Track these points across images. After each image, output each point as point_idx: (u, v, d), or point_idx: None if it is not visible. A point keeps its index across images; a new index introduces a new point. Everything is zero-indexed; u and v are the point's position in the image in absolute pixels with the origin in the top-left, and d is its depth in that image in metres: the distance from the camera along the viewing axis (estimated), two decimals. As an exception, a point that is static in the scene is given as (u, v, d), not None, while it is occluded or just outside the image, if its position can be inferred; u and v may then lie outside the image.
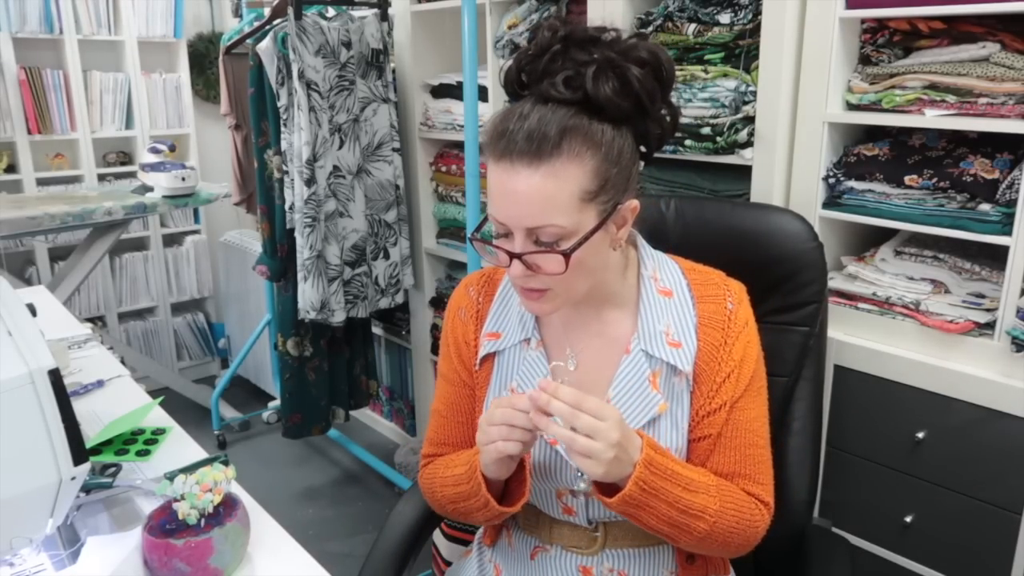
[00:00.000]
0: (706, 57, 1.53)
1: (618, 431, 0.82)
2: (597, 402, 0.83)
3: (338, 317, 2.23)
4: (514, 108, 0.89)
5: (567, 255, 0.86)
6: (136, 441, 1.17)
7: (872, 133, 1.47)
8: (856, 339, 1.41)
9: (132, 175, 3.16)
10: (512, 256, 0.88)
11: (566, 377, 0.95)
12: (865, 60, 1.38)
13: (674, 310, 0.99)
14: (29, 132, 2.98)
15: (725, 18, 1.48)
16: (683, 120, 1.51)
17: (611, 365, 0.98)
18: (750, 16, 1.44)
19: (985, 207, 1.24)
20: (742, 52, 1.48)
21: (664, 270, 1.02)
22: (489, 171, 0.89)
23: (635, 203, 0.93)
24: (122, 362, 1.51)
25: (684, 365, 0.96)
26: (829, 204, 1.43)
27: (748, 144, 1.46)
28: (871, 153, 1.39)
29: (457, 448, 1.09)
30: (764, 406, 1.01)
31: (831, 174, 1.41)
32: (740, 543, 0.95)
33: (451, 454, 1.07)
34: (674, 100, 0.98)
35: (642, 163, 0.97)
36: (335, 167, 2.17)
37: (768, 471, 0.99)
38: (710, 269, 1.03)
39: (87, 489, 1.02)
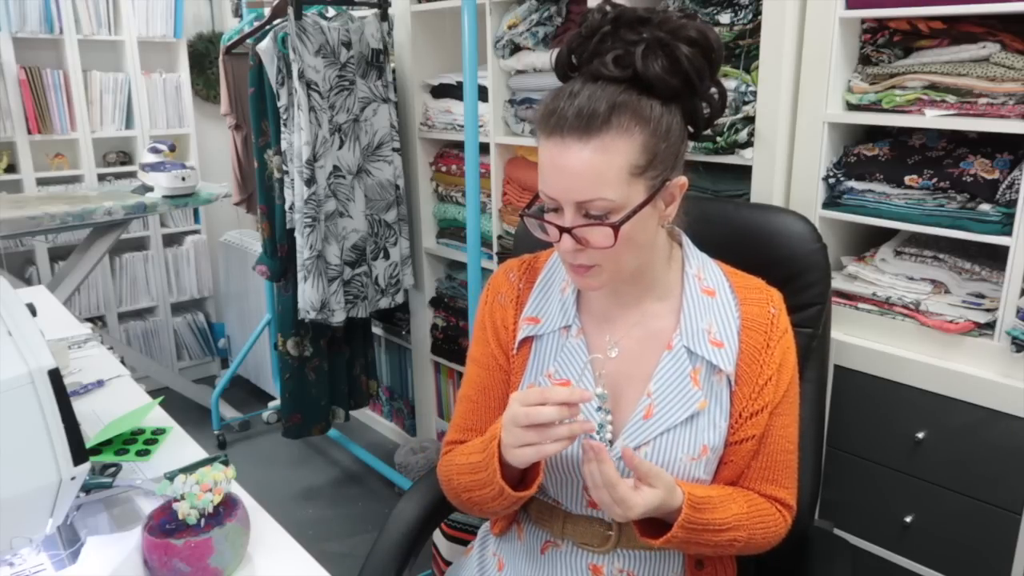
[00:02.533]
0: (706, 57, 1.52)
1: (626, 518, 0.88)
2: (625, 492, 0.86)
3: (338, 317, 2.23)
4: (565, 87, 0.91)
5: (616, 228, 0.87)
6: (136, 441, 1.17)
7: (872, 133, 1.47)
8: (856, 339, 1.41)
9: (132, 175, 3.16)
10: (562, 230, 0.89)
11: (605, 369, 0.97)
12: (865, 60, 1.38)
13: (717, 310, 1.00)
14: (29, 132, 2.98)
15: (725, 18, 1.48)
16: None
17: (651, 358, 1.00)
18: (750, 16, 1.44)
19: (985, 207, 1.24)
20: (742, 52, 1.48)
21: (707, 270, 1.04)
22: (540, 148, 0.91)
23: (683, 180, 0.95)
24: (122, 362, 1.51)
25: (726, 365, 0.97)
26: (829, 204, 1.43)
27: (748, 144, 1.46)
28: (871, 153, 1.39)
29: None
30: (796, 412, 1.03)
31: (831, 174, 1.41)
32: (762, 549, 1.00)
33: (472, 441, 1.06)
34: None
35: (691, 143, 0.99)
36: (335, 167, 2.17)
37: (794, 475, 1.02)
38: (751, 275, 1.06)
39: (87, 489, 1.02)
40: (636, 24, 0.89)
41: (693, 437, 0.97)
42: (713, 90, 0.95)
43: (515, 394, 0.88)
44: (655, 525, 0.93)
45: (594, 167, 0.86)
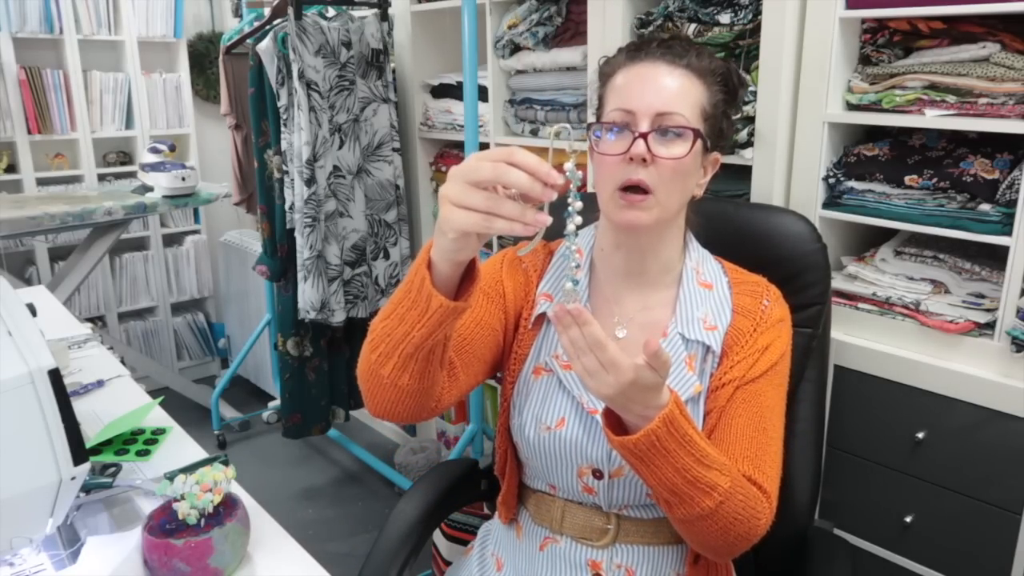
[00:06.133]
0: (706, 57, 1.53)
1: (619, 387, 0.77)
2: (616, 354, 0.76)
3: (338, 317, 2.23)
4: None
5: (695, 133, 0.93)
6: (136, 441, 1.17)
7: (872, 133, 1.47)
8: (856, 339, 1.41)
9: (132, 175, 3.16)
10: (637, 135, 0.92)
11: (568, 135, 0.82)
12: (865, 60, 1.38)
13: (713, 301, 1.03)
14: (29, 132, 2.98)
15: (725, 18, 1.48)
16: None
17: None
18: (750, 16, 1.44)
19: (985, 207, 1.24)
20: (742, 52, 1.48)
21: (706, 266, 1.07)
22: (621, 75, 0.98)
23: (718, 155, 1.03)
24: (122, 362, 1.51)
25: (716, 345, 1.00)
26: (829, 204, 1.43)
27: (748, 144, 1.46)
28: (871, 153, 1.39)
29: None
30: (782, 402, 1.02)
31: (831, 174, 1.41)
32: (741, 533, 0.89)
33: None
34: None
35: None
36: (335, 167, 2.17)
37: (773, 464, 0.96)
38: (753, 274, 1.08)
39: (87, 489, 1.02)
40: (685, 41, 1.01)
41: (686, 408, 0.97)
42: (732, 117, 1.04)
43: (475, 153, 0.74)
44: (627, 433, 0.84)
45: (679, 86, 0.95)
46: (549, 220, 0.71)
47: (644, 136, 0.92)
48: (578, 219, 0.78)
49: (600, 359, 0.76)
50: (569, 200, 0.77)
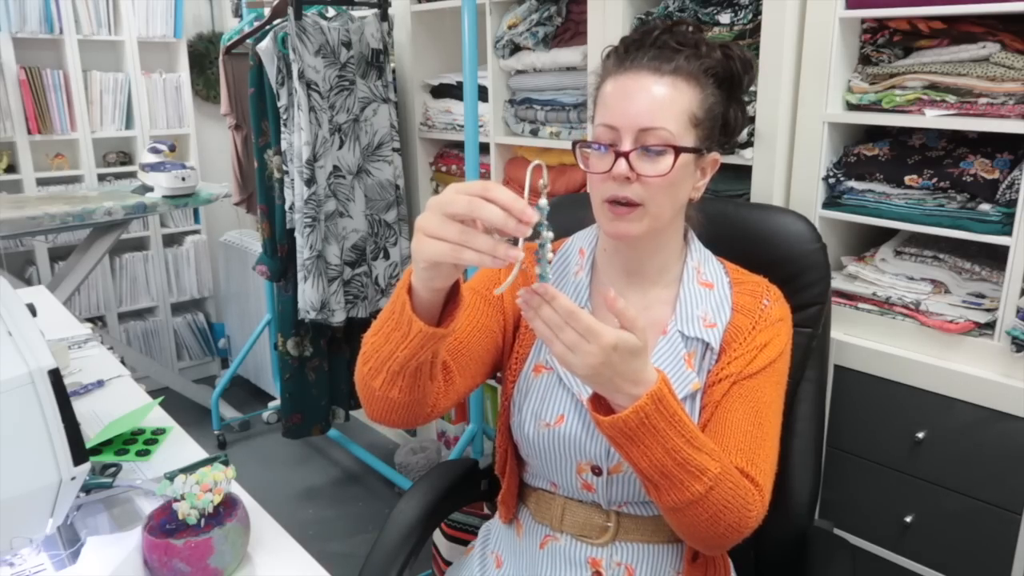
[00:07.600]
0: (706, 57, 1.52)
1: (603, 356, 0.76)
2: (591, 321, 0.76)
3: (338, 317, 2.23)
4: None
5: (677, 151, 0.92)
6: (136, 441, 1.17)
7: (872, 133, 1.47)
8: (856, 339, 1.41)
9: (132, 175, 3.16)
10: (619, 155, 0.93)
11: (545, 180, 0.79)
12: (865, 60, 1.38)
13: (713, 300, 1.03)
14: (29, 132, 2.98)
15: (725, 18, 1.48)
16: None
17: (649, 345, 1.00)
18: (750, 16, 1.44)
19: (985, 207, 1.24)
20: (742, 52, 1.48)
21: (708, 265, 1.07)
22: (607, 85, 0.98)
23: (717, 155, 1.02)
24: (122, 362, 1.51)
25: (715, 342, 1.00)
26: (829, 204, 1.43)
27: (748, 144, 1.46)
28: (871, 153, 1.39)
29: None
30: (779, 400, 1.01)
31: (831, 174, 1.41)
32: (731, 523, 0.88)
33: None
34: None
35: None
36: (335, 167, 2.17)
37: (768, 459, 0.95)
38: (755, 275, 1.08)
39: (87, 489, 1.02)
40: (691, 30, 0.99)
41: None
42: (741, 107, 1.02)
43: (453, 184, 0.75)
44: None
45: (664, 98, 0.93)
46: (521, 255, 0.71)
47: (626, 155, 0.92)
48: (551, 254, 0.79)
49: (577, 329, 0.76)
50: (539, 240, 0.78)
